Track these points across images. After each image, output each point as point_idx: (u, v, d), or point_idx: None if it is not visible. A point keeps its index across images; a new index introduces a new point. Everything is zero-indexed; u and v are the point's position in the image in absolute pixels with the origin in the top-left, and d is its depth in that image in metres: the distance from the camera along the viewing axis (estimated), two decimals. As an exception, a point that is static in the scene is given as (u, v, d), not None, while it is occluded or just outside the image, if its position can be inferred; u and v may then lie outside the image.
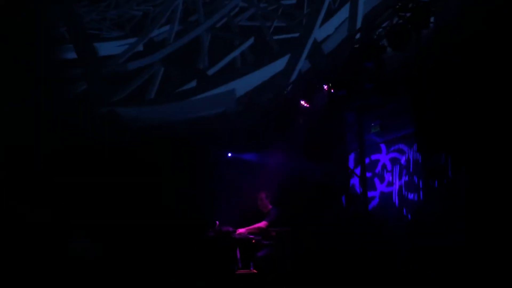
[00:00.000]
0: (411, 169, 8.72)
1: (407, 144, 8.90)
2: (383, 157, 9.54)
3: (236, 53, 13.16)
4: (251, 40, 13.31)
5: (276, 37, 13.48)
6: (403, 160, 8.95)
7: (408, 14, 6.78)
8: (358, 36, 8.07)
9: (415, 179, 8.52)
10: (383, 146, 9.52)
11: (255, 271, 8.04)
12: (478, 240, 6.50)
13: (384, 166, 9.45)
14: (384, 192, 9.34)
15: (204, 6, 14.01)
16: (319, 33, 12.45)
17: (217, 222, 8.37)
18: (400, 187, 8.90)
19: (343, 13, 12.20)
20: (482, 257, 6.31)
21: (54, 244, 9.06)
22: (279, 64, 12.73)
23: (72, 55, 12.63)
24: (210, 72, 13.13)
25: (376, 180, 9.59)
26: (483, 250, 6.36)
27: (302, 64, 12.09)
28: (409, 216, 8.58)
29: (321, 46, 12.17)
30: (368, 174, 9.49)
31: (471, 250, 6.47)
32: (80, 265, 8.66)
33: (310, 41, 12.27)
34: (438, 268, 6.74)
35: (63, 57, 12.32)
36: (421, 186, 8.29)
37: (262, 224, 8.46)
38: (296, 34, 12.99)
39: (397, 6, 6.93)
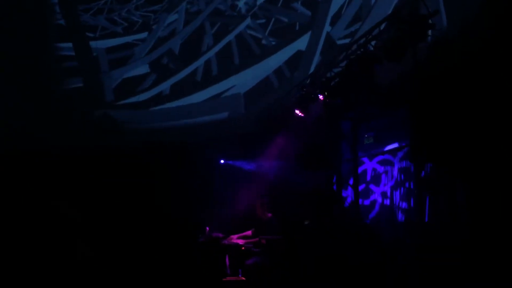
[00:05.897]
0: (401, 178, 8.72)
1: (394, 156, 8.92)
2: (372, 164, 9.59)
3: (232, 35, 13.16)
4: (247, 20, 13.29)
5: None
6: (394, 169, 8.95)
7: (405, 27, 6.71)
8: (355, 46, 7.97)
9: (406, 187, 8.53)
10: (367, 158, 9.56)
11: (243, 278, 8.01)
12: (477, 252, 6.43)
13: (374, 170, 9.48)
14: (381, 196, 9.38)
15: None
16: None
17: (207, 228, 8.34)
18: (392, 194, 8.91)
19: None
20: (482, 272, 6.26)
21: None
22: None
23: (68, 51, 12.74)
24: (211, 53, 13.10)
25: (372, 186, 9.61)
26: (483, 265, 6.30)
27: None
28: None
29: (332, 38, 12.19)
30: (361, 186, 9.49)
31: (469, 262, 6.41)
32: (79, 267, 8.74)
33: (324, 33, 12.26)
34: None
35: (59, 53, 12.35)
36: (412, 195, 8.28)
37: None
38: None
39: (394, 18, 6.89)
